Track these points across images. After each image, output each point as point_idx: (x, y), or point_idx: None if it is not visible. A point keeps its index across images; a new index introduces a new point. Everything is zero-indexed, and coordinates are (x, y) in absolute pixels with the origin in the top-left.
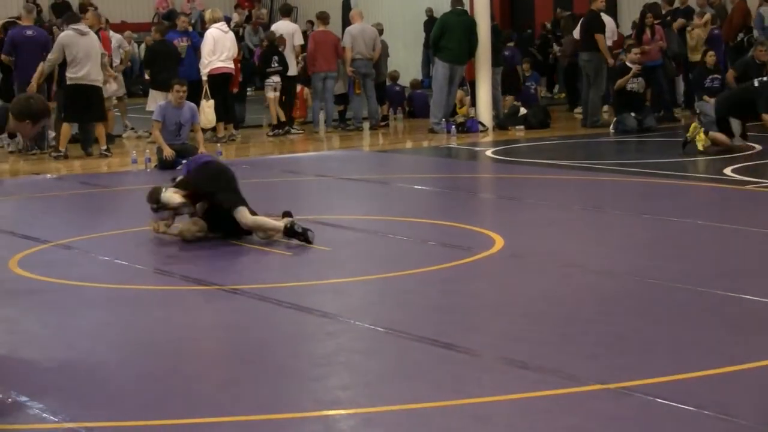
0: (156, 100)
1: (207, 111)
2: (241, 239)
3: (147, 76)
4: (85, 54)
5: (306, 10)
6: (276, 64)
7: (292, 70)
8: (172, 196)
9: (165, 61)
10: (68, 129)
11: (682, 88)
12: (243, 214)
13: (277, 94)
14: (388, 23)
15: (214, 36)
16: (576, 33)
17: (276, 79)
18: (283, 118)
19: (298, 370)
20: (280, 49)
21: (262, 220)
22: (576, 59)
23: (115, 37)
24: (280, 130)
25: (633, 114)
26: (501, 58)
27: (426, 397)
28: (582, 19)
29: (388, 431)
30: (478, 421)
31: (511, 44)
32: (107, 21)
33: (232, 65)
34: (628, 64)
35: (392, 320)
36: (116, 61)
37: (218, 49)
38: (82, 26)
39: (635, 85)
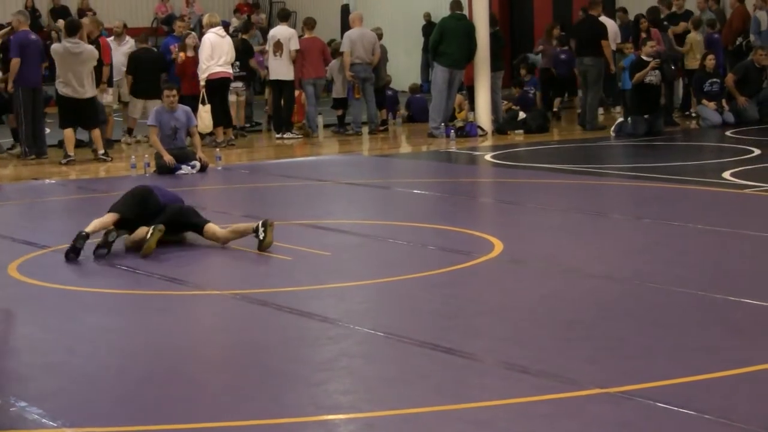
0: (136, 107)
1: (204, 116)
2: (241, 245)
3: (127, 83)
4: (73, 73)
5: (304, 15)
6: (237, 69)
7: (290, 75)
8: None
9: (146, 68)
10: (71, 133)
11: (681, 92)
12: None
13: (242, 98)
14: (388, 28)
15: (212, 41)
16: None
17: (235, 84)
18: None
19: (298, 375)
20: (276, 55)
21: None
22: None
23: (129, 42)
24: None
25: (646, 116)
26: (502, 62)
27: (426, 401)
28: (581, 24)
29: None
30: (479, 426)
31: (566, 48)
32: (125, 26)
33: (230, 70)
34: (644, 57)
35: (392, 325)
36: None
37: (216, 54)
38: (74, 45)
39: (654, 78)
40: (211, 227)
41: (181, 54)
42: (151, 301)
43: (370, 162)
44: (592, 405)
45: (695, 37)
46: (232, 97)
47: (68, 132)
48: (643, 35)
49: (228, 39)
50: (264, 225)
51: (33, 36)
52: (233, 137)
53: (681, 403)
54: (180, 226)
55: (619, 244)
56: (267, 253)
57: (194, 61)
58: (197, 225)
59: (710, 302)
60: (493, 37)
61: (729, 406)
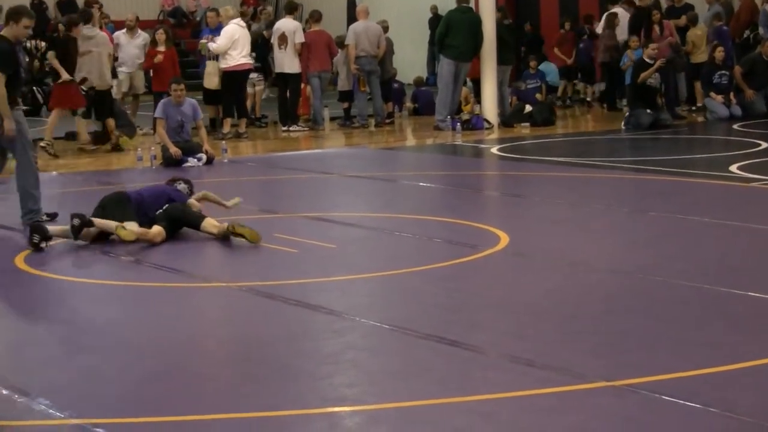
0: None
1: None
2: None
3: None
4: (91, 60)
5: (311, 8)
6: (252, 61)
7: (295, 68)
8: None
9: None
10: (83, 124)
11: (684, 84)
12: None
13: (259, 89)
14: (394, 20)
15: (236, 31)
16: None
17: (252, 75)
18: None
19: (304, 368)
20: (281, 48)
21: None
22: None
23: (141, 35)
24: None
25: (648, 110)
26: (513, 56)
27: (431, 394)
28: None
29: (393, 428)
30: (484, 419)
31: (585, 37)
32: (137, 18)
33: (251, 61)
34: (646, 59)
35: (398, 317)
36: (141, 59)
37: (240, 45)
38: (88, 29)
39: (654, 80)
40: (208, 224)
41: (159, 54)
42: (157, 294)
43: (376, 155)
44: (597, 398)
45: (696, 33)
46: (249, 89)
47: (80, 122)
48: (656, 27)
49: (247, 31)
50: (232, 231)
51: None
52: (245, 131)
53: (685, 397)
54: (179, 224)
55: (624, 237)
56: (273, 245)
57: (166, 56)
58: (195, 225)
59: (715, 296)
60: (508, 30)
61: (734, 399)
